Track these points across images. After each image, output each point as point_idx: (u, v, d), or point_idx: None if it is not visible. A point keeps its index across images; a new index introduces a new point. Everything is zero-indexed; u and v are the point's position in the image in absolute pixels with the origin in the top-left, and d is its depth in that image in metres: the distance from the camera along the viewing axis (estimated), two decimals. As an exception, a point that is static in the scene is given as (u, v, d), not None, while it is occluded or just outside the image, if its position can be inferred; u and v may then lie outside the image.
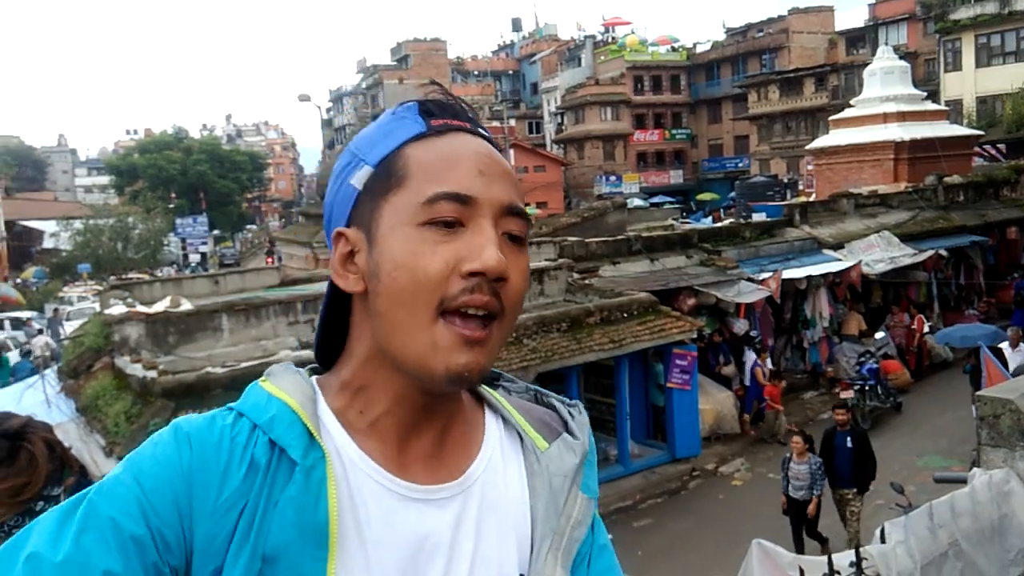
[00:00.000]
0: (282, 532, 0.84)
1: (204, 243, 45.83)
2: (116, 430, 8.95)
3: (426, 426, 0.96)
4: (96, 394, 10.01)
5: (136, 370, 9.77)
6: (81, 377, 11.07)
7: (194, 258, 44.35)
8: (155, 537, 0.82)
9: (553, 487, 0.99)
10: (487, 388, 1.08)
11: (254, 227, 72.96)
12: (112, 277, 28.94)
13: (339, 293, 0.97)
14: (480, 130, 0.97)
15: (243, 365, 10.01)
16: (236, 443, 0.87)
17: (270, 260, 42.48)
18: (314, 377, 0.99)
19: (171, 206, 50.36)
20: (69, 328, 21.33)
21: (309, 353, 8.22)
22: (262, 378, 0.95)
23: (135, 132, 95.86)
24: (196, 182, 56.29)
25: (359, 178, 0.94)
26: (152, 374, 9.49)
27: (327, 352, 1.02)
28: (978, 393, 3.68)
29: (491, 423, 1.04)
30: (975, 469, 3.69)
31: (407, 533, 0.91)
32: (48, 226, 42.23)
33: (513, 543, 0.97)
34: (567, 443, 1.03)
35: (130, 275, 30.75)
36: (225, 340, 11.43)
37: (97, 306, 19.96)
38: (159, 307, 11.68)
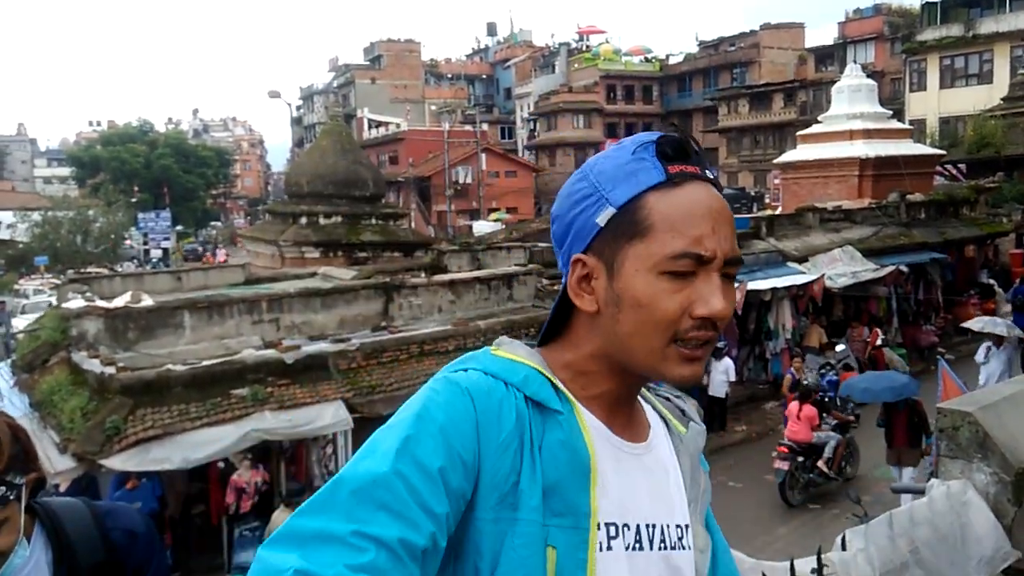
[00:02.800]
0: (556, 469, 1.04)
1: (167, 238, 45.12)
2: (71, 426, 8.76)
3: (626, 404, 1.18)
4: (51, 389, 9.81)
5: (94, 366, 9.59)
6: (36, 372, 10.83)
7: (156, 253, 43.64)
8: (458, 463, 0.98)
9: (692, 464, 1.25)
10: (644, 391, 1.29)
11: (219, 224, 72.12)
12: (70, 271, 28.41)
13: (566, 299, 1.14)
14: (708, 173, 1.10)
15: (205, 363, 9.89)
16: (502, 395, 1.05)
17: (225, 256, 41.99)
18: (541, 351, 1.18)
19: (133, 200, 49.54)
20: (23, 322, 20.86)
21: (273, 352, 8.08)
22: (493, 347, 1.14)
23: (98, 124, 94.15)
24: (160, 176, 55.43)
25: (603, 217, 1.07)
26: (110, 370, 9.32)
27: (550, 336, 1.20)
28: (938, 405, 3.74)
29: (648, 409, 1.26)
30: (933, 480, 3.75)
31: (627, 475, 1.13)
32: (5, 217, 41.28)
33: (677, 497, 1.21)
34: (696, 428, 1.28)
35: (89, 269, 30.21)
36: (187, 337, 11.27)
37: (54, 300, 19.56)
38: (119, 302, 11.48)
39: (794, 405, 11.74)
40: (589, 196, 1.09)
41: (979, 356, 12.81)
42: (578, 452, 1.06)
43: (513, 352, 1.12)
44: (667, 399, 1.33)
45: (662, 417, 1.27)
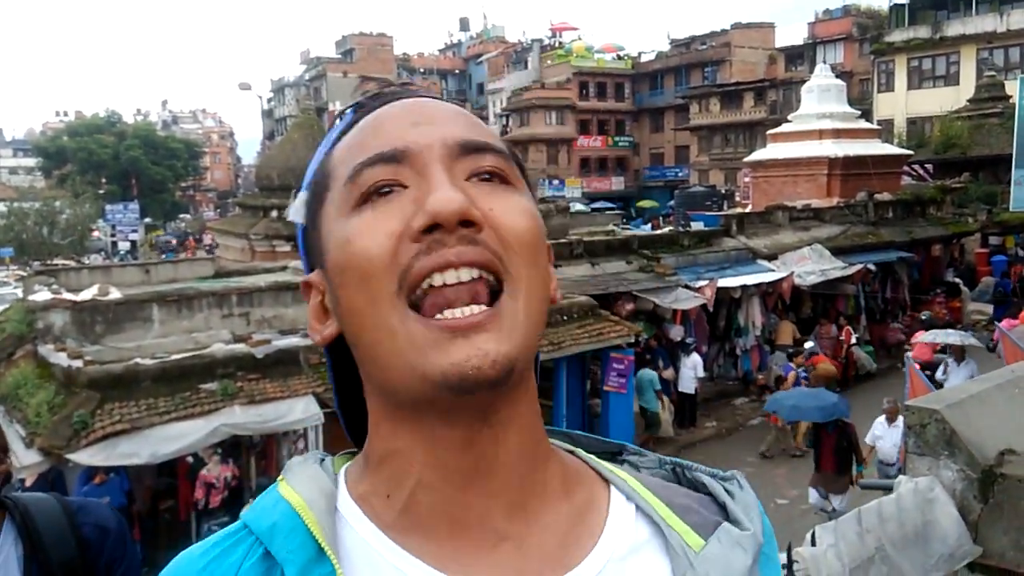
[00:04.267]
0: None
1: (135, 231, 44.53)
2: (37, 420, 8.62)
3: (477, 494, 0.69)
4: (17, 383, 9.64)
5: (60, 359, 9.44)
6: (1, 365, 10.64)
7: (123, 246, 43.05)
8: None
9: None
10: (607, 464, 0.80)
11: (188, 216, 71.26)
12: (37, 263, 27.96)
13: (341, 360, 0.78)
14: (416, 94, 0.78)
15: (174, 357, 9.78)
16: (216, 566, 0.68)
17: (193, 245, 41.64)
18: (348, 463, 0.78)
19: (101, 192, 48.85)
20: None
21: (243, 347, 8.00)
22: (281, 476, 0.75)
23: (65, 114, 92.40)
24: (128, 168, 54.63)
25: (297, 210, 0.76)
26: (77, 363, 9.19)
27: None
28: (906, 403, 3.82)
29: (618, 510, 0.75)
30: (901, 477, 3.82)
31: None
32: (-32, 208, 40.53)
33: None
34: (731, 536, 0.72)
35: (56, 261, 29.75)
36: (155, 331, 11.13)
37: (19, 292, 19.23)
38: (87, 295, 11.31)
39: None
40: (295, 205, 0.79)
41: (939, 373, 12.06)
42: None
43: (290, 482, 0.72)
44: (680, 480, 0.81)
45: (657, 520, 0.73)
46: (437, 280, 0.65)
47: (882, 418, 10.24)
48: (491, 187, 0.70)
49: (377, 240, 0.66)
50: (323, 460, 0.77)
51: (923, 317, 17.22)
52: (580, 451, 0.80)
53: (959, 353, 11.98)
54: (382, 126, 0.72)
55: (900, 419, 9.89)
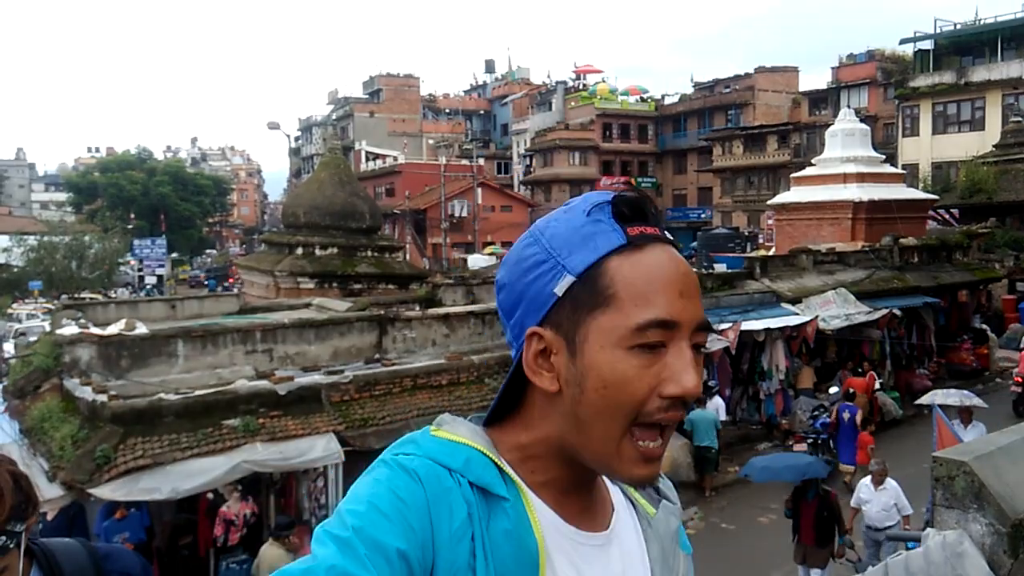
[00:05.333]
0: (501, 562, 0.94)
1: (161, 265, 45.12)
2: (61, 454, 8.69)
3: (582, 490, 1.08)
4: (42, 416, 9.73)
5: (86, 393, 9.53)
6: (27, 398, 10.76)
7: (150, 280, 43.58)
8: (416, 548, 0.90)
9: (664, 549, 1.14)
10: None
11: (214, 252, 72.15)
12: (64, 296, 28.35)
13: (518, 375, 1.04)
14: (666, 234, 1.02)
15: (197, 393, 9.84)
16: (448, 481, 0.96)
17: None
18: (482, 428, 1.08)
19: (130, 227, 49.58)
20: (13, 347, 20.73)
21: (266, 383, 8.04)
22: (432, 427, 1.03)
23: (97, 150, 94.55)
24: (157, 204, 55.57)
25: (561, 287, 0.97)
26: (102, 398, 9.27)
27: (499, 414, 1.10)
28: (933, 454, 3.75)
29: (612, 489, 1.16)
30: (929, 529, 3.75)
31: (587, 566, 1.04)
32: (1, 240, 41.26)
33: None
34: (668, 508, 1.17)
35: (83, 295, 30.16)
36: (180, 366, 11.22)
37: (47, 325, 19.48)
38: (113, 329, 11.45)
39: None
40: (543, 263, 0.99)
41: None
42: (525, 544, 0.97)
43: (454, 432, 1.02)
44: None
45: (629, 498, 1.17)
46: (647, 445, 0.98)
47: (868, 481, 9.84)
48: (697, 359, 0.99)
49: (642, 392, 0.95)
50: (468, 419, 1.08)
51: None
52: None
53: (966, 415, 11.32)
54: (661, 288, 0.96)
55: (889, 481, 9.69)
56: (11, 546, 1.54)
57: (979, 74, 35.54)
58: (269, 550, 8.14)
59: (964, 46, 37.23)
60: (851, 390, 14.41)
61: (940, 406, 11.80)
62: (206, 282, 48.91)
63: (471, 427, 1.04)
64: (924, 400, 12.90)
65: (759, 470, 10.41)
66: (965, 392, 12.34)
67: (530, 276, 1.00)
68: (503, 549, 0.95)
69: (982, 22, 37.39)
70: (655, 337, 0.95)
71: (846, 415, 13.47)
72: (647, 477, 1.00)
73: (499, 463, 1.00)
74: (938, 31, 38.21)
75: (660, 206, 58.13)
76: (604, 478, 1.13)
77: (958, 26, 38.28)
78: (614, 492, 1.15)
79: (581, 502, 1.08)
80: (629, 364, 0.95)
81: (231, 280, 44.36)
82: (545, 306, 0.99)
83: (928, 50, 38.08)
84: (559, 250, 0.99)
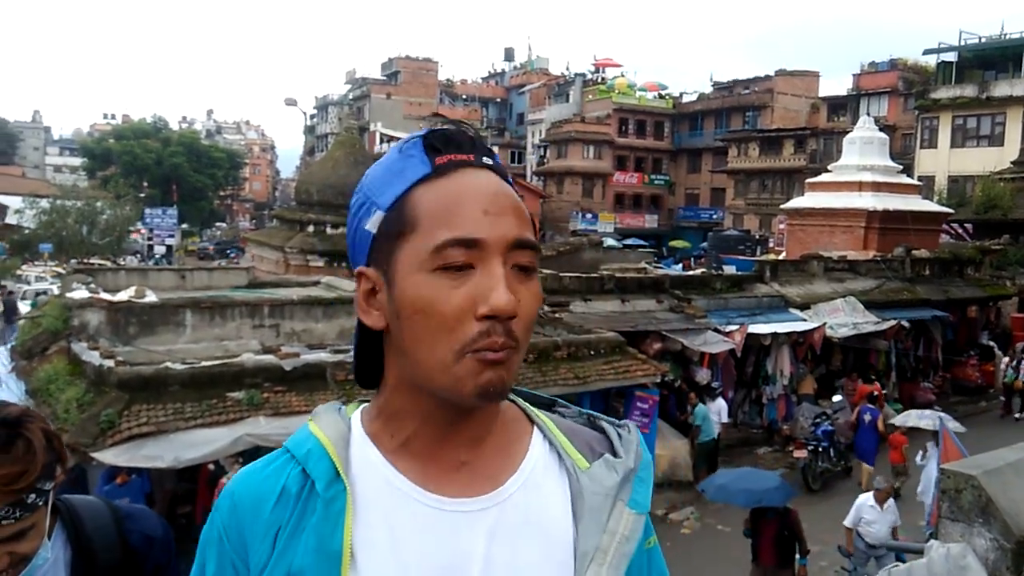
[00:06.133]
0: (305, 555, 0.95)
1: (171, 235, 45.20)
2: (66, 416, 8.73)
3: (454, 439, 1.02)
4: (49, 378, 9.77)
5: (93, 357, 9.57)
6: (35, 359, 10.81)
7: (159, 250, 43.69)
8: (228, 567, 1.02)
9: (593, 505, 1.03)
10: (540, 412, 1.13)
11: (224, 225, 72.25)
12: (74, 260, 28.46)
13: (366, 332, 1.05)
14: (486, 159, 1.00)
15: (203, 364, 9.86)
16: (272, 476, 1.01)
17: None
18: (359, 409, 1.10)
19: (142, 195, 49.67)
20: (23, 308, 20.85)
21: (272, 358, 8.06)
22: (309, 418, 1.07)
23: (113, 117, 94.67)
24: (170, 174, 55.66)
25: (373, 223, 0.99)
26: (109, 363, 9.30)
27: (370, 378, 1.10)
28: (942, 466, 3.74)
29: (536, 444, 1.08)
30: (933, 541, 3.75)
31: (440, 546, 0.97)
32: (13, 202, 41.34)
33: (554, 560, 1.01)
34: (608, 462, 1.06)
35: (92, 260, 30.26)
36: (187, 336, 11.26)
37: (55, 288, 19.56)
38: (123, 296, 11.49)
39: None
40: (363, 205, 1.01)
41: (918, 458, 11.14)
42: (326, 540, 0.95)
43: (316, 422, 1.05)
44: (591, 426, 1.15)
45: (560, 452, 1.07)
46: (490, 356, 0.93)
47: (869, 499, 9.39)
48: (523, 279, 0.97)
49: (453, 311, 0.92)
50: (340, 408, 1.09)
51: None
52: (520, 400, 1.13)
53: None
54: (461, 207, 0.94)
55: (891, 502, 9.46)
56: (40, 504, 1.55)
57: (1001, 89, 35.30)
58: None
59: (988, 60, 36.97)
60: (874, 393, 14.68)
61: (829, 443, 12.11)
62: (228, 251, 48.99)
63: (334, 416, 1.06)
64: (897, 421, 12.61)
65: (715, 488, 9.76)
66: (941, 414, 11.69)
67: (355, 222, 1.02)
68: (309, 543, 0.95)
69: (1008, 37, 37.09)
70: (457, 257, 0.93)
71: (867, 417, 13.70)
72: (491, 384, 0.93)
73: (335, 457, 0.99)
74: (962, 43, 37.93)
75: (672, 203, 58.05)
76: (522, 430, 1.08)
77: (983, 40, 37.99)
78: (535, 446, 1.07)
79: (455, 462, 1.02)
80: (432, 286, 0.93)
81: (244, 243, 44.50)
82: (366, 246, 1.00)
83: (951, 62, 37.82)
84: (374, 191, 1.00)
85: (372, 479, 1.00)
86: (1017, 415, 17.59)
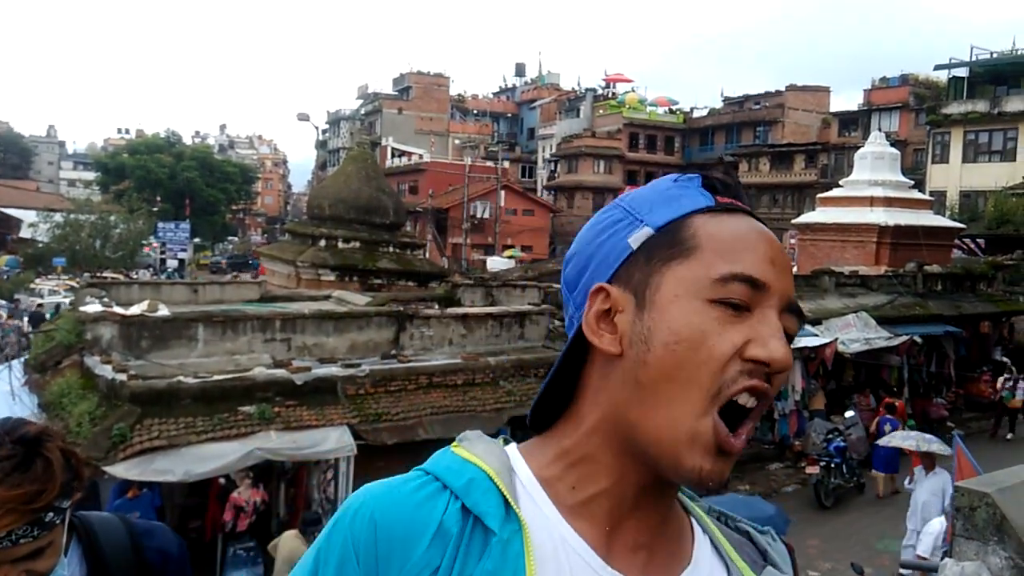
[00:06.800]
0: None
1: (184, 249, 45.43)
2: (78, 430, 8.78)
3: (642, 516, 0.89)
4: (62, 391, 9.84)
5: (105, 371, 9.62)
6: (48, 372, 10.88)
7: (171, 263, 43.92)
8: None
9: None
10: (690, 502, 1.00)
11: (235, 239, 72.63)
12: (87, 274, 28.64)
13: (576, 351, 0.92)
14: (756, 216, 0.93)
15: (215, 378, 9.91)
16: (425, 506, 0.84)
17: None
18: (512, 446, 0.96)
19: (155, 209, 49.98)
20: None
21: (283, 372, 8.08)
22: (454, 444, 0.92)
23: (127, 131, 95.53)
24: (183, 188, 55.98)
25: (637, 238, 0.88)
26: (122, 377, 9.36)
27: (542, 415, 0.96)
28: (956, 484, 3.72)
29: (700, 536, 0.96)
30: (947, 560, 3.72)
31: None
32: (27, 215, 41.71)
33: None
34: None
35: (105, 274, 30.45)
36: (199, 350, 11.30)
37: (67, 301, 19.71)
38: (136, 310, 11.54)
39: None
40: (619, 221, 0.91)
41: (905, 483, 10.92)
42: None
43: (471, 449, 0.90)
44: (743, 532, 1.02)
45: (723, 555, 0.95)
46: (743, 399, 0.84)
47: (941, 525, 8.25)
48: (787, 340, 0.86)
49: (724, 347, 0.82)
50: (494, 436, 0.96)
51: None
52: None
53: (927, 461, 10.38)
54: (750, 247, 0.86)
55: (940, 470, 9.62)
56: (57, 522, 1.56)
57: (1013, 104, 35.18)
58: (291, 541, 8.15)
59: (1000, 75, 36.87)
60: (894, 403, 14.89)
61: (843, 460, 11.91)
62: (252, 261, 49.27)
63: (489, 445, 0.92)
64: (882, 442, 12.30)
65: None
66: (926, 436, 11.32)
67: (604, 236, 0.91)
68: None
69: (1019, 52, 37.01)
70: (739, 294, 0.83)
71: (887, 428, 13.81)
72: (716, 474, 0.82)
73: (505, 491, 0.85)
74: (974, 59, 37.86)
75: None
76: (696, 525, 0.96)
77: (995, 55, 37.92)
78: (700, 543, 0.95)
79: (637, 534, 0.89)
80: (707, 316, 0.83)
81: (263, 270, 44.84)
82: (616, 261, 0.89)
83: (963, 77, 37.74)
84: (640, 208, 0.91)
85: (545, 531, 0.85)
86: (1010, 435, 17.34)
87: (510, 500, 0.84)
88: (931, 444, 10.56)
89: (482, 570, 0.80)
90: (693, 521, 0.97)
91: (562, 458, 0.91)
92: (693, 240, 0.86)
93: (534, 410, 0.96)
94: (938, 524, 8.16)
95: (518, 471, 0.90)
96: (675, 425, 0.82)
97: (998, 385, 17.96)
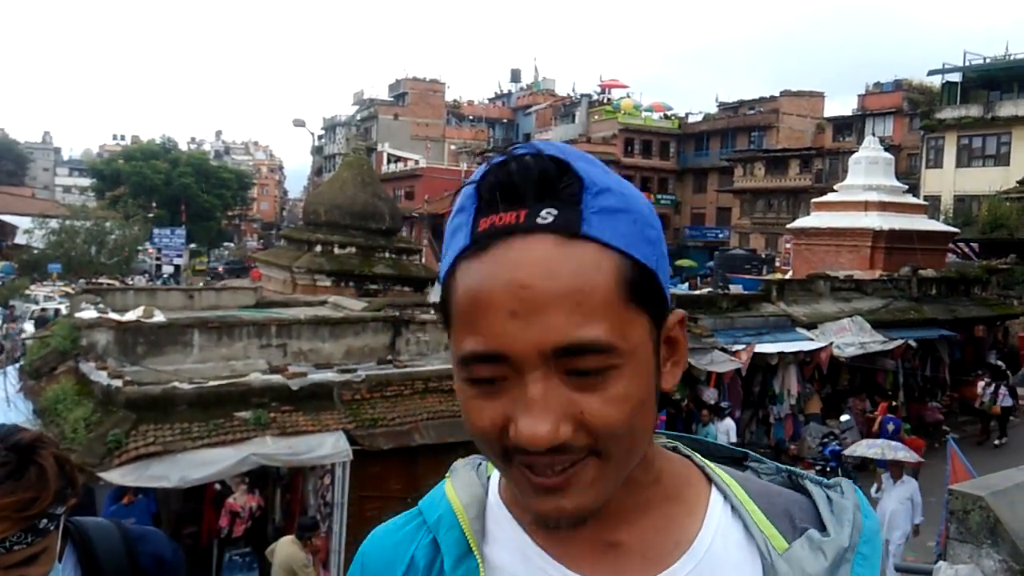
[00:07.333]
0: None
1: (179, 255, 45.39)
2: (74, 436, 8.75)
3: (600, 515, 0.81)
4: (56, 398, 9.80)
5: (101, 377, 9.61)
6: (43, 379, 10.85)
7: (167, 269, 43.87)
8: None
9: None
10: (724, 470, 0.91)
11: (231, 245, 72.55)
12: (82, 280, 28.58)
13: None
14: (543, 215, 0.74)
15: (210, 383, 9.89)
16: (403, 541, 0.90)
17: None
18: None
19: (150, 215, 49.94)
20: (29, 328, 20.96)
21: (279, 378, 8.08)
22: (447, 473, 0.95)
23: (122, 138, 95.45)
24: (179, 194, 55.95)
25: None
26: (117, 383, 9.34)
27: None
28: (949, 487, 3.73)
29: (715, 512, 0.87)
30: (941, 563, 3.73)
31: None
32: (22, 222, 41.62)
33: None
34: (813, 542, 0.83)
35: (101, 280, 30.39)
36: (194, 356, 11.29)
37: (62, 308, 19.66)
38: (131, 315, 11.54)
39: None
40: (445, 253, 0.82)
41: (872, 491, 10.65)
42: None
43: (453, 481, 0.92)
44: (793, 486, 0.92)
45: (749, 527, 0.85)
46: (537, 471, 0.76)
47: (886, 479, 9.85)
48: (588, 382, 0.73)
49: (485, 425, 0.76)
50: (479, 465, 0.95)
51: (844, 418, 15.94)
52: (696, 456, 0.92)
53: (895, 469, 10.22)
54: (486, 307, 0.73)
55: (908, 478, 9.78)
56: (51, 528, 1.57)
57: (1006, 109, 35.34)
58: (287, 546, 8.14)
59: (993, 80, 37.05)
60: (894, 403, 15.44)
61: (839, 463, 11.85)
62: (249, 267, 49.24)
63: (470, 475, 0.93)
64: (847, 452, 12.26)
65: None
66: (892, 443, 11.18)
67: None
68: None
69: (1012, 57, 37.19)
70: (485, 373, 0.74)
71: (890, 426, 14.29)
72: (554, 512, 0.76)
73: (464, 526, 0.86)
74: (967, 64, 38.04)
75: (678, 223, 58.07)
76: (690, 501, 0.88)
77: (987, 60, 38.11)
78: (713, 519, 0.86)
79: (603, 534, 0.84)
80: (466, 395, 0.77)
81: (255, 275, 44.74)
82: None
83: (956, 82, 37.91)
84: (446, 243, 0.81)
85: (509, 553, 0.85)
86: (996, 441, 17.34)
87: (469, 538, 0.85)
88: (897, 452, 10.46)
89: None
90: (713, 495, 0.88)
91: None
92: (451, 307, 0.78)
93: None
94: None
95: (490, 497, 0.90)
96: (505, 477, 0.82)
97: (978, 391, 17.91)
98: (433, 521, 0.89)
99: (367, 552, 0.93)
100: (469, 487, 0.91)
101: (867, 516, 0.87)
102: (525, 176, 0.74)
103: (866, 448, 11.04)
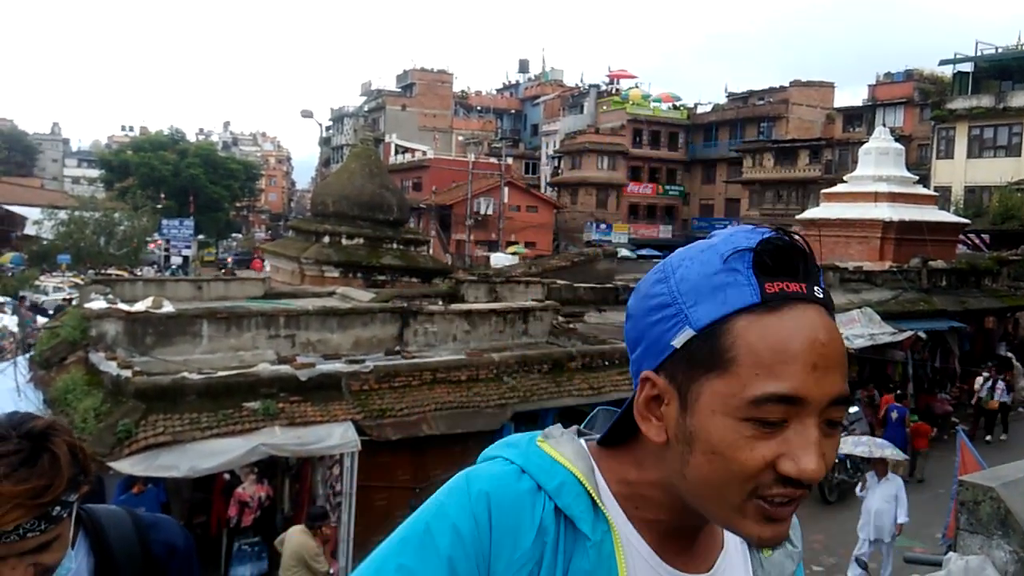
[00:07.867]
0: None
1: (188, 246, 45.48)
2: (84, 426, 8.80)
3: (688, 531, 1.02)
4: (66, 387, 9.86)
5: (110, 367, 9.65)
6: (53, 369, 10.91)
7: (175, 260, 43.99)
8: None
9: None
10: None
11: (239, 236, 72.73)
12: (91, 271, 28.72)
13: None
14: (817, 290, 0.90)
15: (219, 374, 9.93)
16: (526, 505, 0.92)
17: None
18: (588, 442, 1.04)
19: (159, 206, 50.05)
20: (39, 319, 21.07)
21: (287, 368, 8.08)
22: (540, 438, 1.00)
23: (131, 129, 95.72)
24: (187, 185, 56.02)
25: (680, 339, 0.90)
26: (126, 373, 9.38)
27: (617, 438, 1.05)
28: (960, 478, 3.71)
29: None
30: (951, 553, 3.71)
31: None
32: (32, 213, 41.79)
33: None
34: (787, 551, 1.10)
35: (110, 271, 30.53)
36: (203, 346, 11.33)
37: (69, 297, 19.77)
38: (140, 306, 11.58)
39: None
40: (666, 307, 0.91)
41: (857, 490, 10.79)
42: None
43: (558, 448, 0.97)
44: None
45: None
46: (777, 500, 0.88)
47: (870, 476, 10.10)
48: (829, 431, 0.89)
49: (756, 464, 0.86)
50: (576, 437, 1.03)
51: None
52: None
53: (880, 467, 10.21)
54: (790, 359, 0.85)
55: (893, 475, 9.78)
56: (64, 515, 1.57)
57: (1018, 99, 35.07)
58: (298, 535, 8.17)
59: (1005, 70, 36.77)
60: (899, 392, 15.81)
61: (847, 455, 11.49)
62: (263, 258, 49.48)
63: (577, 446, 0.99)
64: (844, 447, 11.83)
65: None
66: (878, 441, 11.23)
67: (653, 317, 0.93)
68: None
69: (1024, 47, 36.91)
70: (775, 414, 0.85)
71: (894, 414, 14.65)
72: (771, 538, 0.90)
73: (594, 495, 0.94)
74: (979, 54, 37.75)
75: (686, 214, 57.94)
76: None
77: (999, 50, 37.80)
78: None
79: (685, 541, 1.02)
80: (740, 434, 0.86)
81: (256, 264, 44.80)
82: (663, 354, 0.91)
83: (967, 73, 37.63)
84: (686, 296, 0.90)
85: (620, 534, 0.96)
86: (988, 437, 17.20)
87: (600, 504, 0.94)
88: (883, 449, 10.50)
89: (579, 569, 0.91)
90: None
91: (628, 485, 0.99)
92: (731, 351, 0.87)
93: (612, 429, 1.03)
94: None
95: (599, 478, 0.99)
96: (721, 509, 0.90)
97: (976, 386, 17.73)
98: (554, 487, 0.93)
99: (497, 502, 0.91)
100: (581, 458, 0.98)
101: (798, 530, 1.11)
102: (799, 251, 0.90)
103: (852, 446, 10.99)
